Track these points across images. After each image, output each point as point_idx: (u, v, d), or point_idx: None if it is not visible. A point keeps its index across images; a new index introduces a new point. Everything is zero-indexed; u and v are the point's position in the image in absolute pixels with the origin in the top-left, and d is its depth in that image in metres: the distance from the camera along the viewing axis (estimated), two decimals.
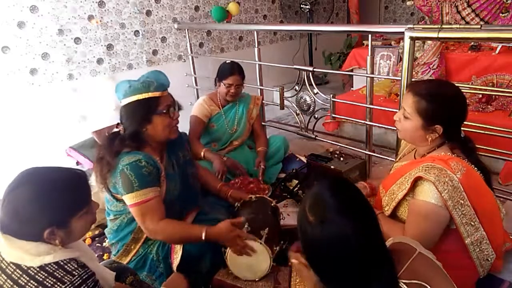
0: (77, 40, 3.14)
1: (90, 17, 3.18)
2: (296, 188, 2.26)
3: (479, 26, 1.92)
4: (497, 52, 3.05)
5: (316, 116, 2.78)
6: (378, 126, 2.61)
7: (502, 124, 2.25)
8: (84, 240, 2.08)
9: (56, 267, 1.00)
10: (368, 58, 2.28)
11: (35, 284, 0.97)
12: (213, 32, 4.13)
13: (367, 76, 2.31)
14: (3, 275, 0.99)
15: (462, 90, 1.42)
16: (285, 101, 2.85)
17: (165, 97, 1.62)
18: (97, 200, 1.23)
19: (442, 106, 1.35)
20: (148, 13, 3.55)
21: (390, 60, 3.72)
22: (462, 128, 1.45)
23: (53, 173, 1.07)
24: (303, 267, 1.14)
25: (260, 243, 1.53)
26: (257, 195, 1.90)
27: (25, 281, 0.98)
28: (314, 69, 2.61)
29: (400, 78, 1.95)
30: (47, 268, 1.00)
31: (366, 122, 2.46)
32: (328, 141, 2.84)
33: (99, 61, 3.31)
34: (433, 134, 1.39)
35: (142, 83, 1.57)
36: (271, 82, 3.88)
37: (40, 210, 1.00)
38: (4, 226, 1.01)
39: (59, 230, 1.03)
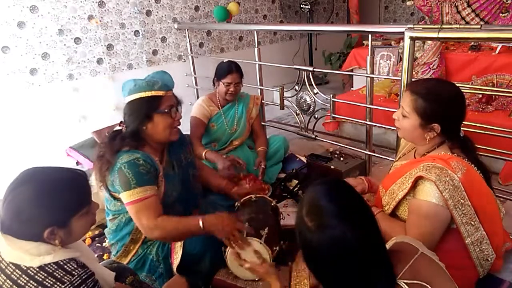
0: (77, 40, 3.14)
1: (90, 17, 3.18)
2: (296, 188, 2.27)
3: (479, 26, 1.92)
4: (497, 52, 3.05)
5: (316, 116, 2.78)
6: (378, 126, 2.61)
7: (502, 124, 2.25)
8: (84, 240, 2.09)
9: (55, 267, 1.00)
10: (368, 58, 2.28)
11: (35, 284, 0.97)
12: (213, 32, 4.14)
13: (367, 76, 2.31)
14: (2, 275, 0.99)
15: (462, 90, 1.41)
16: (285, 101, 2.85)
17: (169, 97, 1.63)
18: (97, 200, 1.23)
19: (440, 105, 1.35)
20: (148, 13, 3.55)
21: (390, 60, 3.72)
22: (462, 128, 1.45)
23: (54, 173, 1.07)
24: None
25: (260, 243, 1.53)
26: (258, 195, 1.91)
27: (25, 281, 0.98)
28: (314, 69, 2.61)
29: (400, 78, 1.95)
30: (46, 268, 1.00)
31: (366, 122, 2.46)
32: (328, 141, 2.84)
33: (99, 61, 3.31)
34: (431, 132, 1.39)
35: (147, 82, 1.60)
36: (271, 82, 3.88)
37: (40, 209, 1.00)
38: (4, 226, 1.01)
39: (59, 230, 1.03)
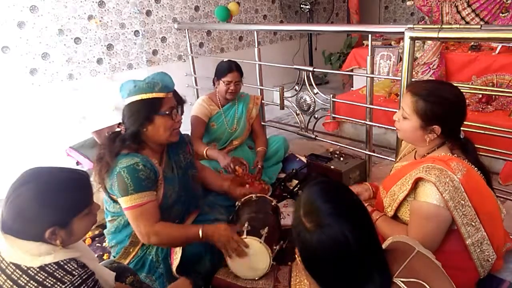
0: (77, 40, 3.14)
1: (90, 17, 3.18)
2: (296, 188, 2.27)
3: (479, 26, 1.92)
4: (497, 52, 3.06)
5: (316, 116, 2.78)
6: (378, 126, 2.61)
7: (502, 124, 2.26)
8: (84, 241, 2.08)
9: (56, 267, 1.01)
10: (368, 58, 2.28)
11: (35, 285, 0.97)
12: (213, 32, 4.14)
13: (367, 76, 2.31)
14: (2, 275, 0.99)
15: (462, 90, 1.41)
16: (285, 101, 2.85)
17: (169, 99, 1.61)
18: (97, 200, 1.23)
19: (440, 107, 1.34)
20: (148, 13, 3.55)
21: (390, 60, 3.72)
22: (462, 129, 1.45)
23: (56, 173, 1.07)
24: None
25: (260, 242, 1.53)
26: (258, 195, 1.91)
27: (25, 281, 0.98)
28: (314, 69, 2.61)
29: (400, 78, 1.95)
30: (47, 268, 1.00)
31: (366, 122, 2.46)
32: (328, 141, 2.84)
33: (99, 61, 3.31)
34: (431, 134, 1.39)
35: (147, 83, 1.57)
36: (271, 82, 3.89)
37: (42, 209, 1.00)
38: (5, 226, 1.01)
39: (61, 230, 1.03)
